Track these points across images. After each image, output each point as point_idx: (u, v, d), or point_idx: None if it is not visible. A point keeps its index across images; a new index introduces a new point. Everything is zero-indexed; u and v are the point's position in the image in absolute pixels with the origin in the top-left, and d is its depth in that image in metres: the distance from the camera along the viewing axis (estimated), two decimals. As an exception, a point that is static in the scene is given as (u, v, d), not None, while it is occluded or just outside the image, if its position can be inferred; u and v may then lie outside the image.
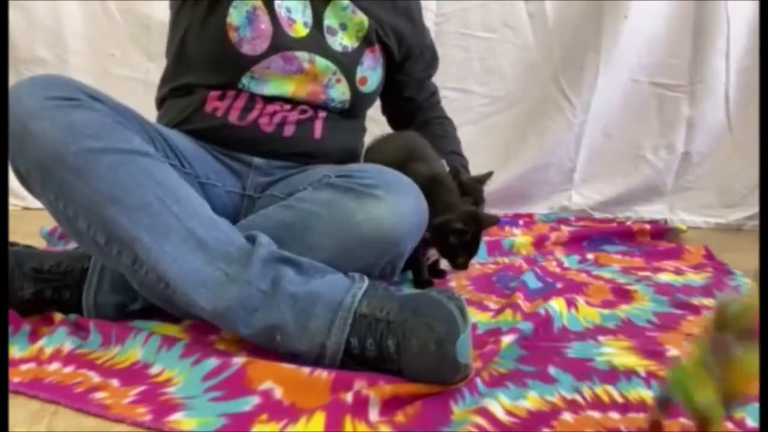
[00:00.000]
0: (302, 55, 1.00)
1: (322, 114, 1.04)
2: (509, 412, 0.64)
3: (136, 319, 0.88)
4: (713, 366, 0.53)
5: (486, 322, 0.93)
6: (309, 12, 1.03)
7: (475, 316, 0.96)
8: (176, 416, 0.63)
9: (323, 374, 0.68)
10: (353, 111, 1.09)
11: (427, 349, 0.65)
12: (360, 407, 0.63)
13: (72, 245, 1.22)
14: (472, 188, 1.14)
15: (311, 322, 0.72)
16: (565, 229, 1.68)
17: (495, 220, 1.06)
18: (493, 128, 1.99)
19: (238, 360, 0.71)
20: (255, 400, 0.66)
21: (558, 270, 1.26)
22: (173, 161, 0.91)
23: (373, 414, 0.63)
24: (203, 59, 1.00)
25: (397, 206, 0.84)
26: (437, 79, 1.32)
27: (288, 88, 1.01)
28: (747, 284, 1.18)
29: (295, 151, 1.02)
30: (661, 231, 1.68)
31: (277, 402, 0.66)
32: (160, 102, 1.08)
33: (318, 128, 1.04)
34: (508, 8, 1.94)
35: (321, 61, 1.01)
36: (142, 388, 0.69)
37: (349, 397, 0.63)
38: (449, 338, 0.65)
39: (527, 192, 2.00)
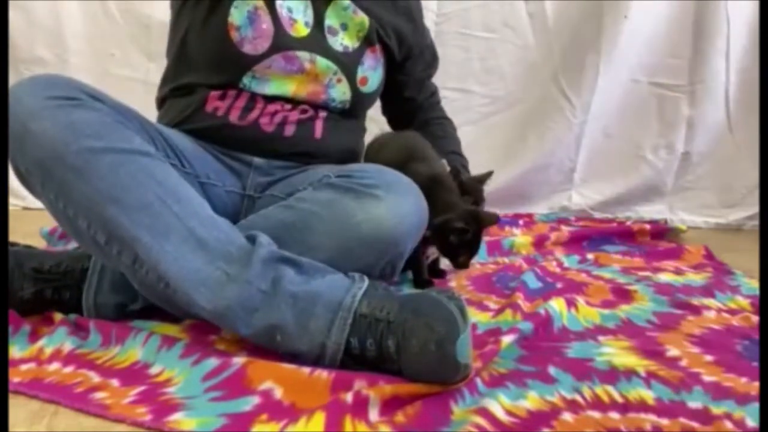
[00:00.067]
0: (303, 55, 1.00)
1: (322, 114, 1.05)
2: (509, 412, 0.64)
3: (136, 319, 0.88)
4: None
5: (486, 322, 0.93)
6: (310, 12, 1.03)
7: (475, 316, 0.96)
8: (176, 416, 0.63)
9: (323, 374, 0.68)
10: (354, 111, 1.09)
11: (427, 349, 0.65)
12: (360, 407, 0.63)
13: (72, 245, 1.22)
14: (472, 188, 1.14)
15: (311, 322, 0.72)
16: (565, 229, 1.68)
17: (495, 219, 1.06)
18: (493, 128, 1.99)
19: (238, 360, 0.71)
20: (255, 400, 0.66)
21: (558, 270, 1.26)
22: (173, 161, 0.91)
23: (373, 414, 0.63)
24: (204, 59, 1.00)
25: (397, 206, 0.84)
26: (437, 79, 1.32)
27: (289, 87, 1.01)
28: (747, 284, 1.18)
29: (296, 150, 1.02)
30: (661, 231, 1.68)
31: (277, 402, 0.66)
32: (161, 102, 1.08)
33: (318, 128, 1.04)
34: (508, 8, 1.94)
35: (322, 61, 1.01)
36: (142, 388, 0.69)
37: (349, 397, 0.63)
38: (449, 338, 0.65)
39: (527, 192, 2.00)
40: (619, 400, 0.68)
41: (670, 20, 1.87)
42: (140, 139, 0.81)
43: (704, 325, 0.92)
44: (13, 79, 0.85)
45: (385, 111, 1.31)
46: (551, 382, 0.71)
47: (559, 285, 1.14)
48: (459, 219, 0.98)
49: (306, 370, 0.69)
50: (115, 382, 0.70)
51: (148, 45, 1.92)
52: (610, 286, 1.13)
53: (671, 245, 1.56)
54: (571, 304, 0.97)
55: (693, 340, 0.86)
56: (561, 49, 1.93)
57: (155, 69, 1.83)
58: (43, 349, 0.77)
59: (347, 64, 1.04)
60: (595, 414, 0.65)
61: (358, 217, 0.83)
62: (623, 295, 1.08)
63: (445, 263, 1.19)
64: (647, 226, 1.67)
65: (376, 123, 1.28)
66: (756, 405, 0.65)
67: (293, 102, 1.02)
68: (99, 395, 0.67)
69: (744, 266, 1.32)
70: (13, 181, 0.82)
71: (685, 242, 1.60)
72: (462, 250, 1.02)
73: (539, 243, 1.53)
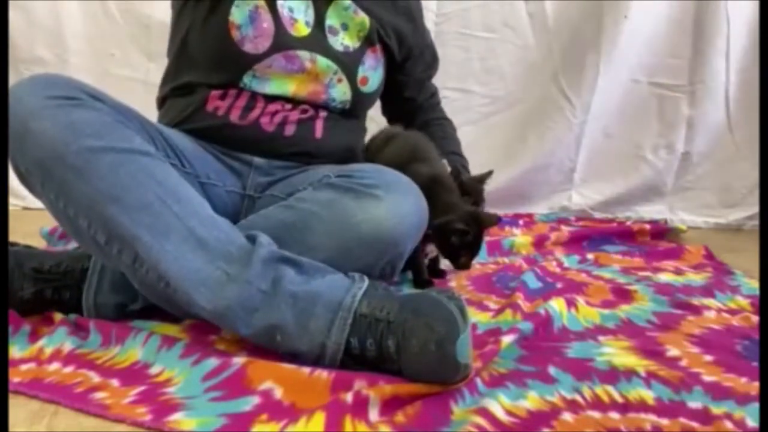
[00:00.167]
0: (304, 55, 1.00)
1: (323, 114, 1.05)
2: (509, 412, 0.64)
3: (136, 319, 0.88)
4: None
5: (486, 322, 0.93)
6: (311, 12, 1.03)
7: (475, 316, 0.96)
8: (176, 416, 0.63)
9: (323, 374, 0.68)
10: (354, 111, 1.09)
11: (427, 349, 0.65)
12: (360, 407, 0.63)
13: (72, 245, 1.22)
14: (473, 188, 1.14)
15: (311, 322, 0.72)
16: (565, 229, 1.68)
17: (496, 220, 1.06)
18: (493, 128, 1.99)
19: (238, 360, 0.71)
20: (255, 400, 0.66)
21: (558, 270, 1.26)
22: (174, 161, 0.91)
23: (373, 414, 0.63)
24: (205, 57, 1.00)
25: (396, 206, 0.84)
26: (437, 80, 1.32)
27: (289, 87, 1.01)
28: (747, 284, 1.18)
29: (296, 150, 1.02)
30: (661, 231, 1.68)
31: (277, 402, 0.66)
32: (161, 101, 1.08)
33: (319, 128, 1.04)
34: (508, 8, 1.95)
35: (322, 61, 1.02)
36: (142, 388, 0.69)
37: (349, 397, 0.63)
38: (449, 338, 0.64)
39: (527, 192, 2.00)
40: (619, 400, 0.68)
41: (670, 20, 1.87)
42: (140, 138, 0.81)
43: (704, 325, 0.92)
44: (13, 79, 0.85)
45: (385, 111, 1.31)
46: (551, 382, 0.71)
47: (559, 285, 1.14)
48: (460, 220, 0.98)
49: (306, 370, 0.69)
50: (115, 382, 0.70)
51: (148, 45, 1.92)
52: (610, 286, 1.13)
53: (671, 245, 1.56)
54: (571, 304, 0.97)
55: (693, 340, 0.86)
56: (561, 49, 1.94)
57: (155, 69, 1.83)
58: (43, 349, 0.77)
59: (348, 63, 1.04)
60: (595, 414, 0.65)
61: (357, 217, 0.83)
62: (623, 295, 1.08)
63: (445, 263, 1.19)
64: (647, 226, 1.67)
65: (376, 123, 1.28)
66: (756, 405, 0.65)
67: (294, 102, 1.02)
68: (99, 395, 0.67)
69: (744, 266, 1.32)
70: (13, 181, 0.82)
71: (685, 242, 1.60)
72: (463, 251, 1.02)
73: (539, 243, 1.53)
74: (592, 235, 1.61)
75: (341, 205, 0.84)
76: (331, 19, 1.04)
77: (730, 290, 1.13)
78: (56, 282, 0.89)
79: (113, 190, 0.73)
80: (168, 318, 0.87)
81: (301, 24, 1.01)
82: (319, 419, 0.60)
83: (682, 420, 0.63)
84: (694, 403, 0.67)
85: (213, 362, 0.72)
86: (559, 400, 0.67)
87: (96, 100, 0.79)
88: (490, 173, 1.20)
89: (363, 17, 1.06)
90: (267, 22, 0.98)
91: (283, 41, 0.99)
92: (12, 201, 1.81)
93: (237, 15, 0.96)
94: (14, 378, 0.70)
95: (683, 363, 0.78)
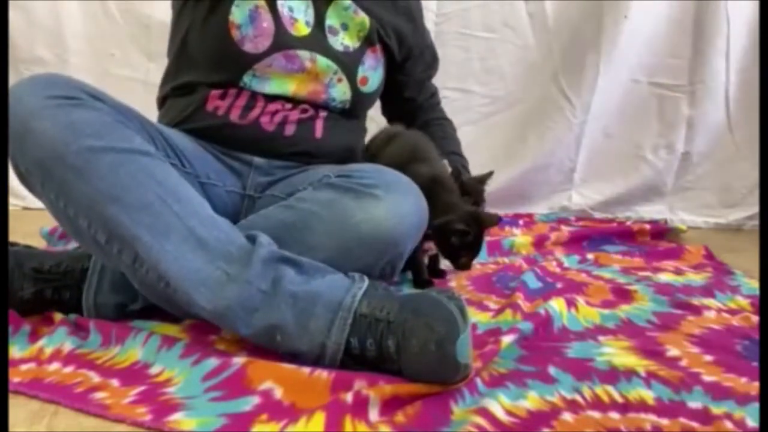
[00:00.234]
0: (304, 54, 1.00)
1: (322, 113, 1.05)
2: (509, 412, 0.64)
3: (136, 319, 0.88)
4: None
5: (486, 322, 0.93)
6: (311, 11, 1.03)
7: (475, 316, 0.96)
8: (176, 416, 0.63)
9: (323, 374, 0.68)
10: (354, 111, 1.09)
11: (427, 349, 0.65)
12: (360, 407, 0.63)
13: (72, 245, 1.22)
14: (473, 188, 1.14)
15: (311, 322, 0.72)
16: (565, 229, 1.68)
17: (496, 220, 1.06)
18: (493, 128, 1.99)
19: (238, 360, 0.71)
20: (255, 400, 0.66)
21: (558, 270, 1.26)
22: (174, 161, 0.91)
23: (373, 414, 0.63)
24: (205, 57, 1.00)
25: (396, 206, 0.84)
26: (437, 80, 1.32)
27: (289, 87, 1.01)
28: (747, 284, 1.18)
29: (296, 150, 1.02)
30: (661, 231, 1.68)
31: (277, 402, 0.66)
32: (162, 101, 1.08)
33: (319, 128, 1.04)
34: (508, 8, 1.94)
35: (322, 60, 1.02)
36: (142, 388, 0.69)
37: (349, 397, 0.63)
38: (449, 338, 0.64)
39: (527, 192, 2.00)
40: (619, 400, 0.68)
41: (670, 20, 1.87)
42: (140, 138, 0.81)
43: (704, 325, 0.92)
44: (13, 79, 0.85)
45: (385, 111, 1.31)
46: (551, 382, 0.71)
47: (559, 285, 1.14)
48: (460, 220, 0.98)
49: (306, 370, 0.69)
50: (115, 382, 0.70)
51: (148, 45, 1.92)
52: (610, 286, 1.13)
53: (671, 245, 1.56)
54: (571, 304, 0.97)
55: (693, 340, 0.86)
56: (561, 49, 1.94)
57: (155, 69, 1.83)
58: (43, 349, 0.77)
59: (347, 63, 1.04)
60: (595, 414, 0.65)
61: (357, 217, 0.83)
62: (623, 295, 1.08)
63: (445, 263, 1.19)
64: (647, 226, 1.67)
65: (376, 123, 1.28)
66: (756, 405, 0.65)
67: (294, 101, 1.02)
68: (99, 395, 0.67)
69: (744, 266, 1.32)
70: (13, 181, 0.82)
71: (685, 242, 1.60)
72: (463, 252, 1.02)
73: (539, 243, 1.53)
74: (592, 235, 1.61)
75: (341, 205, 0.84)
76: (331, 19, 1.04)
77: (730, 290, 1.13)
78: (56, 282, 0.89)
79: (113, 190, 0.73)
80: (168, 318, 0.87)
81: (301, 24, 1.01)
82: (319, 419, 0.60)
83: (682, 420, 0.63)
84: (694, 403, 0.67)
85: (213, 362, 0.72)
86: (559, 400, 0.67)
87: (96, 99, 0.79)
88: (490, 174, 1.20)
89: (363, 17, 1.06)
90: (267, 22, 0.98)
91: (283, 41, 0.99)
92: (12, 201, 1.81)
93: (237, 14, 0.96)
94: (14, 378, 0.70)
95: (683, 363, 0.78)
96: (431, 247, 1.09)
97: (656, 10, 1.87)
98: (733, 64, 1.86)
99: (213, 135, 0.99)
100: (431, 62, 1.26)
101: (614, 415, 0.65)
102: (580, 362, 0.77)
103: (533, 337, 0.85)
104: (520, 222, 1.83)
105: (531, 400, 0.67)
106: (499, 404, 0.64)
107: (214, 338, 0.83)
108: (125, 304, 0.88)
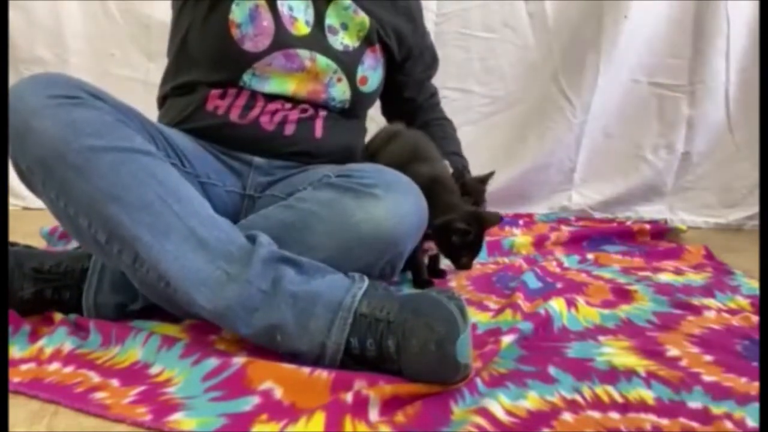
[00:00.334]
0: (303, 53, 1.00)
1: (322, 113, 1.05)
2: (509, 412, 0.64)
3: (136, 319, 0.87)
4: None
5: (486, 322, 0.93)
6: (311, 11, 1.03)
7: (475, 316, 0.96)
8: (176, 416, 0.63)
9: (323, 374, 0.68)
10: (354, 111, 1.09)
11: (427, 349, 0.65)
12: (360, 407, 0.63)
13: (72, 245, 1.22)
14: (474, 188, 1.14)
15: (311, 322, 0.72)
16: (565, 229, 1.68)
17: (498, 219, 1.06)
18: (493, 128, 2.00)
19: (238, 360, 0.71)
20: (255, 400, 0.66)
21: (558, 270, 1.26)
22: (174, 160, 0.91)
23: (373, 414, 0.63)
24: (205, 56, 1.00)
25: (396, 206, 0.84)
26: (437, 80, 1.32)
27: (289, 86, 1.01)
28: (747, 284, 1.18)
29: (296, 150, 1.02)
30: (661, 231, 1.68)
31: (277, 402, 0.66)
32: (162, 101, 1.08)
33: (318, 127, 1.04)
34: (508, 8, 1.95)
35: (322, 60, 1.02)
36: (142, 388, 0.69)
37: (349, 397, 0.63)
38: (449, 338, 0.64)
39: (527, 192, 2.00)
40: (619, 400, 0.68)
41: (670, 20, 1.87)
42: (141, 138, 0.81)
43: (704, 325, 0.92)
44: (13, 79, 0.85)
45: (385, 111, 1.31)
46: (551, 382, 0.71)
47: (559, 285, 1.14)
48: (461, 220, 0.98)
49: (306, 370, 0.69)
50: (115, 382, 0.70)
51: (148, 45, 1.92)
52: (610, 286, 1.13)
53: (671, 245, 1.56)
54: (571, 304, 0.97)
55: (693, 340, 0.86)
56: (561, 49, 1.94)
57: (155, 69, 1.84)
58: (43, 349, 0.77)
59: (347, 63, 1.04)
60: (595, 414, 0.65)
61: (357, 217, 0.83)
62: (623, 295, 1.08)
63: (445, 263, 1.19)
64: (647, 226, 1.67)
65: (376, 123, 1.28)
66: (756, 405, 0.65)
67: (293, 101, 1.02)
68: (99, 395, 0.67)
69: (744, 266, 1.32)
70: (13, 181, 0.82)
71: (685, 242, 1.60)
72: (464, 251, 1.02)
73: (539, 243, 1.53)
74: (592, 235, 1.61)
75: (341, 204, 0.84)
76: (331, 19, 1.04)
77: (730, 290, 1.13)
78: (56, 282, 0.89)
79: (114, 190, 0.73)
80: (168, 318, 0.87)
81: (301, 23, 1.01)
82: (319, 419, 0.60)
83: (682, 420, 0.63)
84: (694, 403, 0.67)
85: (213, 362, 0.72)
86: (559, 400, 0.67)
87: (97, 99, 0.79)
88: (491, 174, 1.20)
89: (363, 17, 1.06)
90: (267, 21, 0.98)
91: (283, 40, 0.99)
92: (12, 201, 1.81)
93: (237, 13, 0.96)
94: (14, 378, 0.70)
95: (683, 363, 0.78)
96: (431, 246, 1.10)
97: (656, 10, 1.87)
98: (733, 64, 1.86)
99: (213, 134, 0.99)
100: (431, 62, 1.27)
101: (614, 415, 0.64)
102: (580, 362, 0.77)
103: (533, 337, 0.85)
104: (520, 222, 1.83)
105: (531, 400, 0.67)
106: (499, 404, 0.64)
107: (214, 338, 0.83)
108: (125, 304, 0.88)
